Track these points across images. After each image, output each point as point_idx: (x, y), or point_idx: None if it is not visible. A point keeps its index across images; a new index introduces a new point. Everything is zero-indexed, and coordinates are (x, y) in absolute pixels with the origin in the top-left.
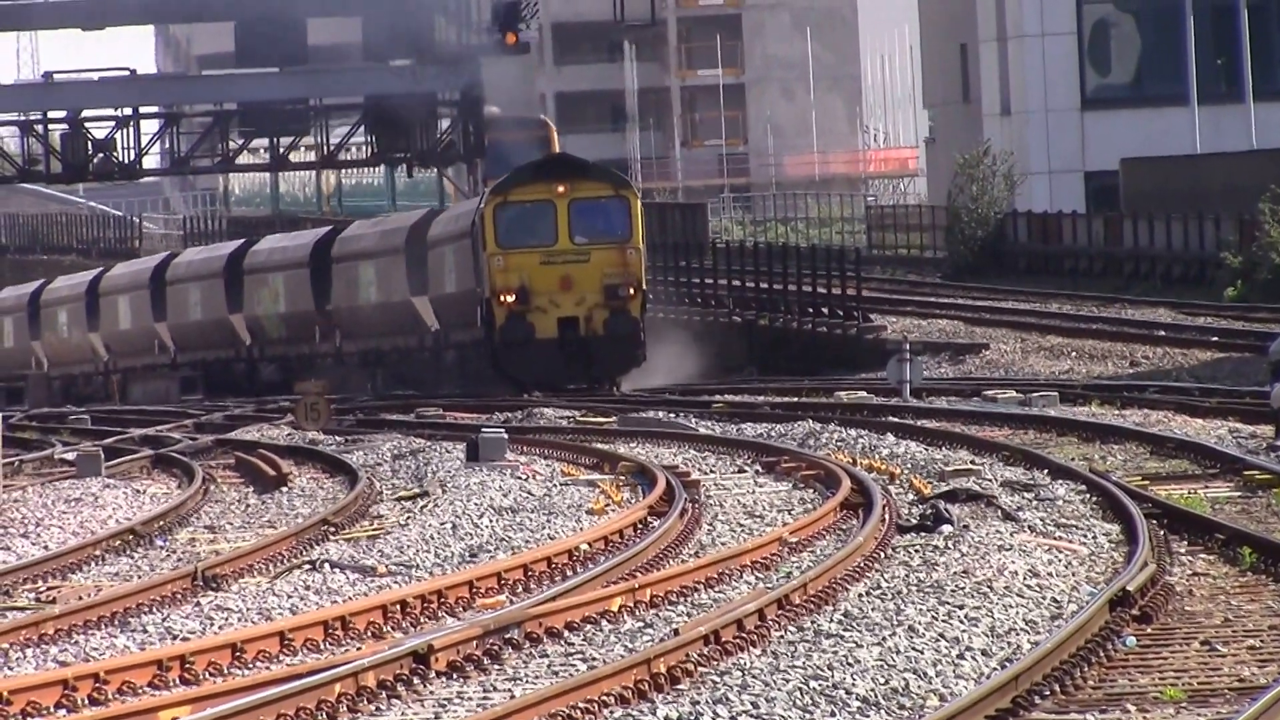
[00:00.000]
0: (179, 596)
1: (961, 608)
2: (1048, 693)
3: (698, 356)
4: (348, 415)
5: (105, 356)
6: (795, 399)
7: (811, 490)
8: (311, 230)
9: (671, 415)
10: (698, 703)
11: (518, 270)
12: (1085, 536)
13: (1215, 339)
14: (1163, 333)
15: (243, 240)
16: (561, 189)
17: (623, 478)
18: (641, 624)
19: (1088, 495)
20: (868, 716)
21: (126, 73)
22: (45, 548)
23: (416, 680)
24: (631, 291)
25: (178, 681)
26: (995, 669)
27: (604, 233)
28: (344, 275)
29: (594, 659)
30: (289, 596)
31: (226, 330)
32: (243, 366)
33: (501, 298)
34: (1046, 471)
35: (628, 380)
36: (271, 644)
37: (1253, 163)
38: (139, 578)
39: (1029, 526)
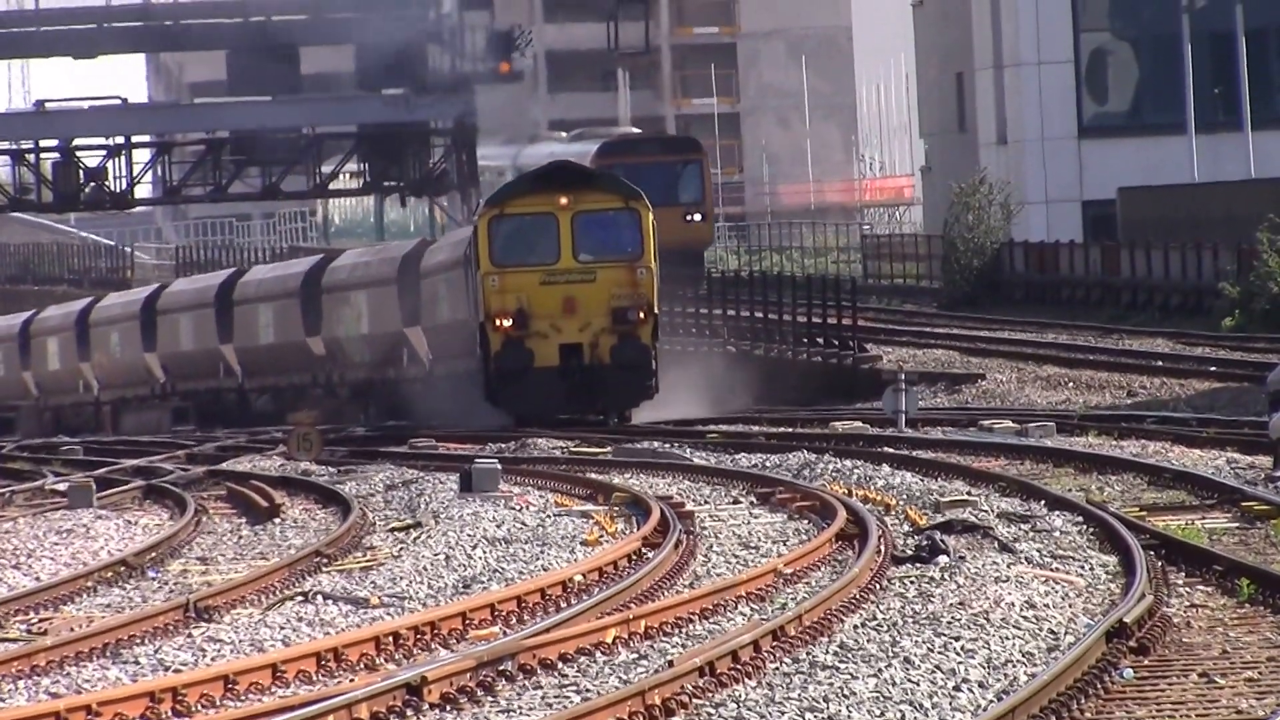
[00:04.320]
0: (171, 628)
1: (958, 639)
2: None
3: (708, 388)
4: (340, 446)
5: (96, 387)
6: (790, 429)
7: (807, 521)
8: (303, 259)
9: (666, 445)
10: None
11: (515, 291)
12: (1082, 568)
13: (1213, 369)
14: (1160, 363)
15: (233, 270)
16: (564, 200)
17: (617, 508)
18: (636, 655)
19: (1085, 526)
20: None
21: (118, 101)
22: (37, 579)
23: (410, 712)
24: (642, 315)
25: (170, 714)
26: (992, 701)
27: (612, 249)
28: (334, 305)
29: (588, 691)
30: (281, 628)
31: (217, 360)
32: (234, 397)
33: (497, 322)
34: (1043, 502)
35: (638, 414)
36: (264, 676)
37: (1251, 192)
38: (131, 609)
39: (1025, 558)
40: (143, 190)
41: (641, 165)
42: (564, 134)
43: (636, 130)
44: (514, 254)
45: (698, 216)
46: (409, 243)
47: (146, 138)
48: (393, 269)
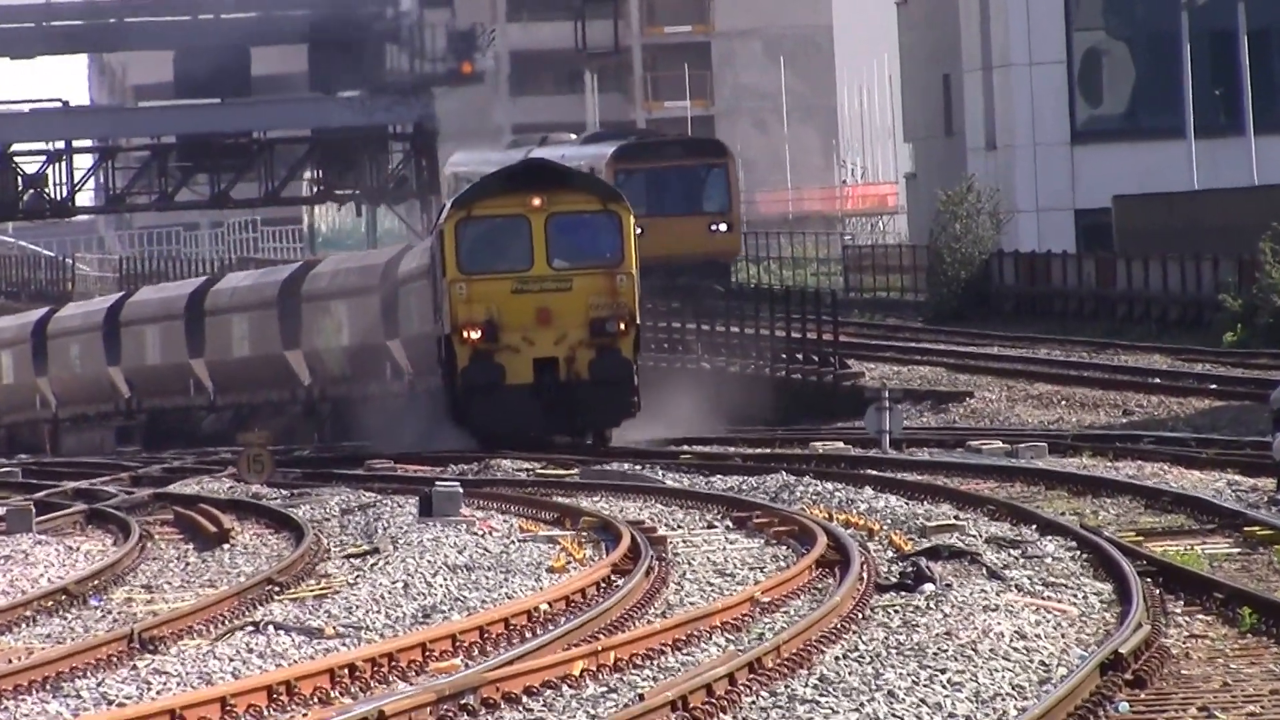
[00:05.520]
0: (114, 660)
1: (944, 671)
2: None
3: (681, 406)
4: (294, 467)
5: (54, 403)
6: (768, 450)
7: (785, 547)
8: (281, 267)
9: (637, 467)
10: None
11: (484, 300)
12: (1075, 596)
13: (1214, 386)
14: (1158, 380)
15: (204, 277)
16: (537, 201)
17: (585, 533)
18: (605, 689)
19: (1078, 552)
20: None
21: (59, 104)
22: None
23: None
24: (622, 326)
25: None
26: None
27: (589, 255)
28: (314, 315)
29: None
30: (231, 660)
31: (186, 376)
32: (204, 415)
33: (464, 334)
34: (1034, 527)
35: (618, 435)
36: (212, 710)
37: (1253, 200)
38: (72, 640)
39: (1016, 585)
40: (84, 198)
41: (662, 170)
42: (573, 135)
43: (657, 132)
44: (483, 260)
45: (723, 227)
46: (393, 248)
47: (88, 142)
48: (375, 277)
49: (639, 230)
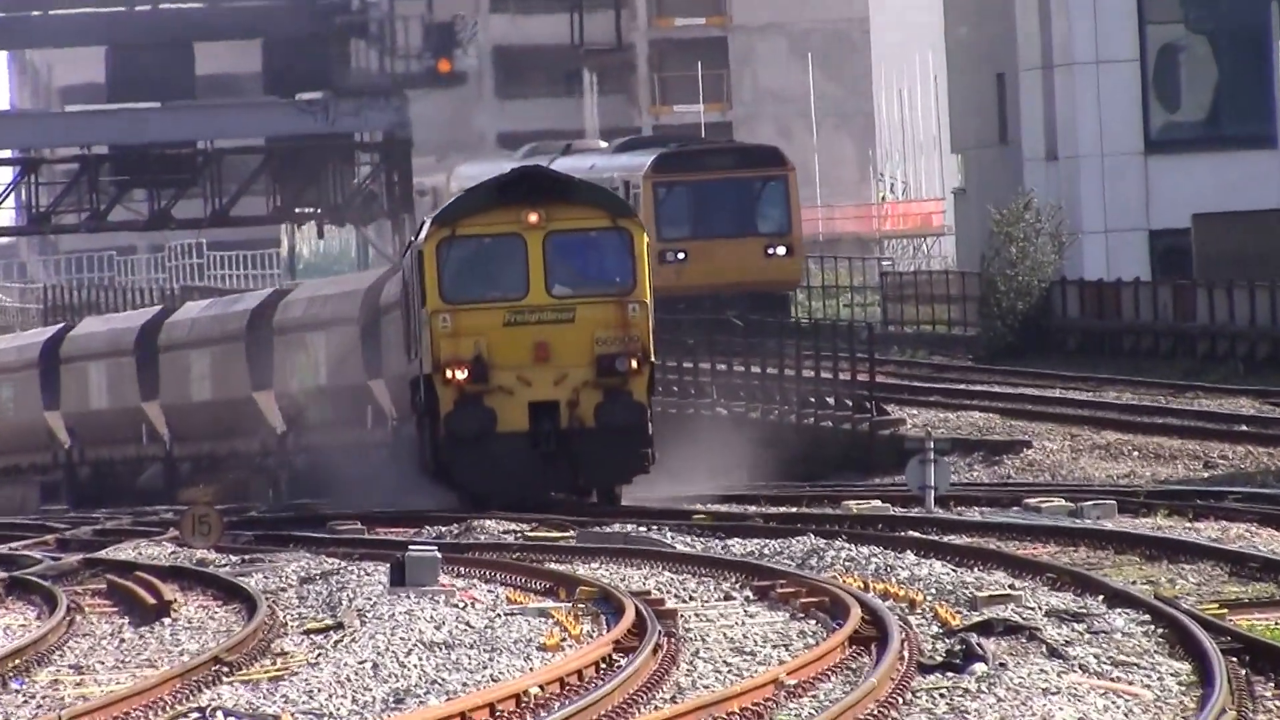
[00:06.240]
0: None
1: None
2: None
3: (712, 455)
4: (245, 530)
5: None
6: (794, 509)
7: (814, 621)
8: (248, 295)
9: (642, 529)
10: None
11: (471, 334)
12: (1149, 677)
13: None
14: (1244, 427)
15: (159, 308)
16: (534, 218)
17: (582, 606)
18: None
19: (1152, 627)
20: None
21: None
22: None
23: None
24: (634, 364)
25: None
26: None
27: (596, 280)
28: (287, 351)
29: None
30: None
31: (138, 422)
32: (159, 467)
33: (448, 374)
34: (1102, 598)
35: (629, 492)
36: None
37: None
38: None
39: (1080, 665)
40: (3, 217)
41: (711, 184)
42: (603, 143)
43: (701, 139)
44: (470, 287)
45: (782, 250)
46: (375, 272)
47: (7, 153)
48: (354, 306)
49: (682, 255)
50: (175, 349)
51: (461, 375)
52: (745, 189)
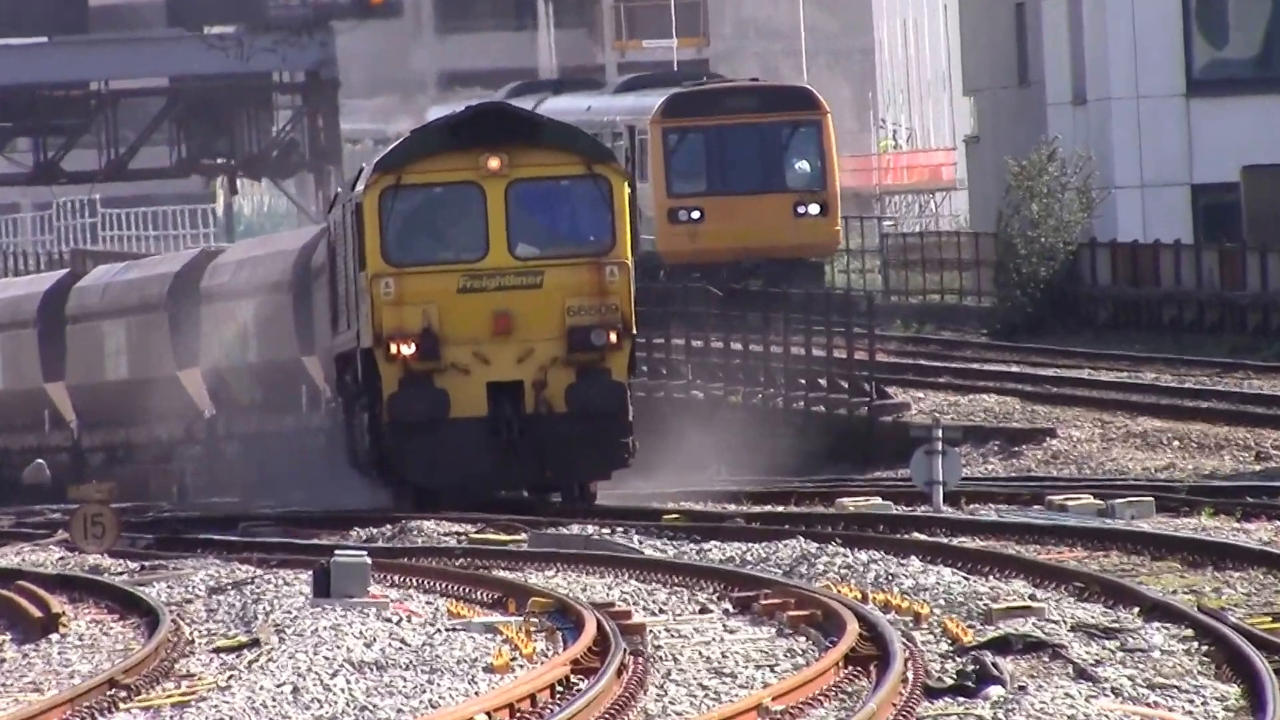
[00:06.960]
0: None
1: None
2: None
3: (685, 445)
4: (144, 533)
5: None
6: (781, 508)
7: (803, 638)
8: (172, 256)
9: (604, 531)
10: None
11: (419, 302)
12: (1191, 702)
13: None
14: None
15: (64, 271)
16: (495, 163)
17: (535, 620)
18: None
19: (1195, 644)
20: None
21: None
22: None
23: None
24: (613, 338)
25: None
26: None
27: (568, 238)
28: (216, 322)
29: None
30: None
31: (40, 406)
32: (65, 459)
33: (392, 349)
34: (1137, 610)
35: (605, 489)
36: None
37: None
38: None
39: (1112, 688)
40: None
41: (731, 129)
42: (604, 82)
43: (721, 75)
44: (418, 246)
45: (814, 209)
46: (309, 230)
47: None
48: (286, 268)
49: (697, 215)
50: (85, 320)
51: (408, 351)
52: (772, 136)
